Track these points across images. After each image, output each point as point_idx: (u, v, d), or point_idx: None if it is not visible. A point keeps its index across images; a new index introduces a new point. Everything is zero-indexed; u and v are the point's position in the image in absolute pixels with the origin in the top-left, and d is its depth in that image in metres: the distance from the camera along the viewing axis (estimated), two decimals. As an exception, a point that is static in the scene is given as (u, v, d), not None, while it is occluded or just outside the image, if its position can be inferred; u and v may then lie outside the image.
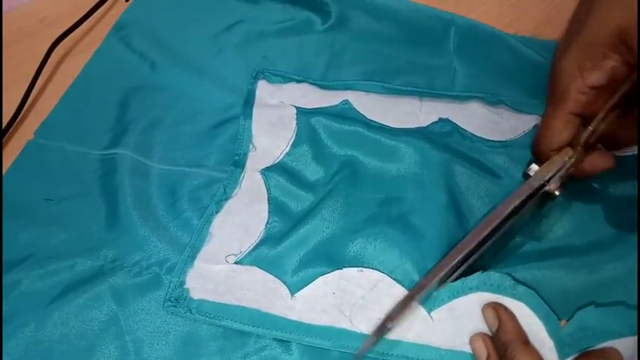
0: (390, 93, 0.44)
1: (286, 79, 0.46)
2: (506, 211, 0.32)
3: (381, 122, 0.42)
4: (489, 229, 0.32)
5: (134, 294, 0.35)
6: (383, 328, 0.32)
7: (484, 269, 0.34)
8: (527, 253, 0.36)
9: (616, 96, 0.32)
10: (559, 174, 0.33)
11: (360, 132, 0.41)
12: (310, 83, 0.45)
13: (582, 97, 0.32)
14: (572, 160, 0.33)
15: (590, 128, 0.32)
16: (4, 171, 0.42)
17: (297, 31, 0.50)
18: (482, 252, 0.33)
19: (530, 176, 0.33)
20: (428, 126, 0.42)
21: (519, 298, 0.32)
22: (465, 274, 0.34)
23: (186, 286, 0.35)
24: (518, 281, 0.33)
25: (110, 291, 0.35)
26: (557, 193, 0.33)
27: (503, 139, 0.40)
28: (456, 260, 0.32)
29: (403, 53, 0.47)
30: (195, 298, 0.35)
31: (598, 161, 0.34)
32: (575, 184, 0.37)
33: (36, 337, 0.34)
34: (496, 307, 0.32)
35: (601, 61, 0.31)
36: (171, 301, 0.35)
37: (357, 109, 0.43)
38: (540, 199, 0.34)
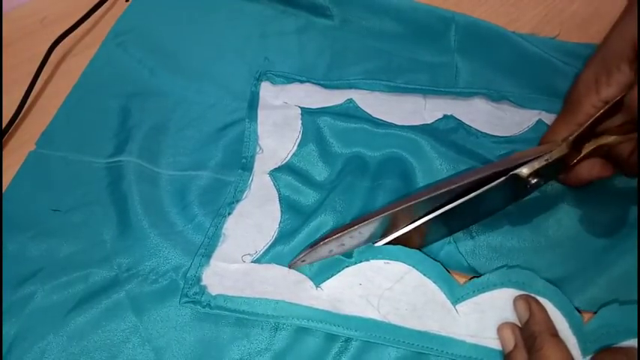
0: (394, 91, 0.44)
1: (289, 79, 0.45)
2: (466, 181, 0.32)
3: (386, 120, 0.42)
4: (436, 193, 0.32)
5: (152, 301, 0.34)
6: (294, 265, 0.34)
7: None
8: (538, 247, 0.36)
9: (609, 104, 0.31)
10: (534, 162, 0.32)
11: (365, 129, 0.41)
12: (314, 83, 0.45)
13: (594, 110, 0.32)
14: (552, 152, 0.32)
15: (581, 128, 0.32)
16: (4, 177, 0.41)
17: (298, 31, 0.50)
18: (435, 218, 0.33)
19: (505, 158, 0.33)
20: (433, 123, 0.41)
21: (543, 295, 0.32)
22: (413, 238, 0.34)
23: (202, 283, 0.34)
24: (542, 277, 0.33)
25: (128, 300, 0.34)
26: (532, 181, 0.32)
27: (508, 135, 0.40)
28: (393, 211, 0.32)
29: (405, 51, 0.47)
30: (214, 293, 0.34)
31: (595, 169, 0.34)
32: None
33: (54, 351, 0.33)
34: (528, 299, 0.32)
35: (616, 74, 0.31)
36: (188, 297, 0.34)
37: (362, 107, 0.43)
38: (515, 186, 0.32)
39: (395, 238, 0.35)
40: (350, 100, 0.43)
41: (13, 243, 0.37)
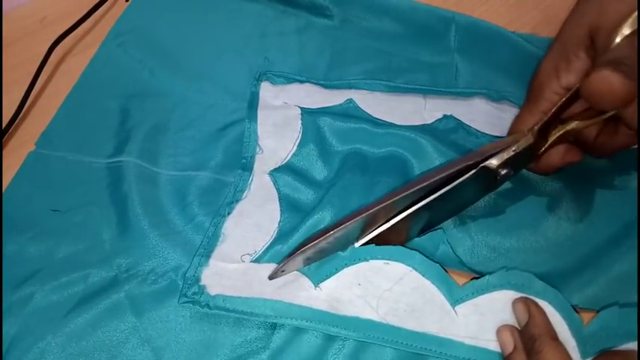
0: (394, 91, 0.43)
1: (289, 79, 0.45)
2: (440, 176, 0.32)
3: (386, 120, 0.42)
4: (417, 187, 0.32)
5: (152, 302, 0.34)
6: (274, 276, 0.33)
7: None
8: (537, 247, 0.35)
9: (571, 91, 0.31)
10: (502, 153, 0.32)
11: (365, 129, 0.41)
12: (314, 83, 0.44)
13: (556, 97, 0.32)
14: (520, 142, 0.32)
15: (546, 117, 0.32)
16: (4, 177, 0.41)
17: (298, 31, 0.49)
18: (411, 214, 0.33)
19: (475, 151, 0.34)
20: (433, 123, 0.41)
21: (543, 297, 0.32)
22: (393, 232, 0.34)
23: (201, 283, 0.34)
24: (541, 280, 0.33)
25: (127, 300, 0.34)
26: (501, 172, 0.32)
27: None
28: (379, 207, 0.32)
29: (405, 51, 0.47)
30: (212, 293, 0.34)
31: (566, 155, 0.34)
32: (581, 179, 0.37)
33: (53, 351, 0.33)
34: (527, 302, 0.32)
35: (575, 62, 0.31)
36: (187, 297, 0.33)
37: (362, 107, 0.43)
38: (486, 177, 0.33)
39: (372, 238, 0.34)
40: (350, 100, 0.43)
41: (12, 243, 0.37)
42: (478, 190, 0.35)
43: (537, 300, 0.32)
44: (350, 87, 0.44)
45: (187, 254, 0.36)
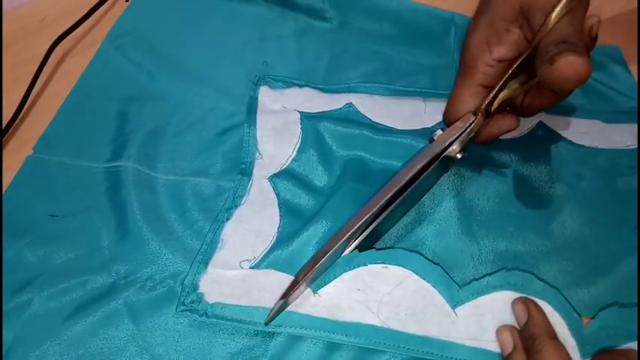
0: (394, 94, 0.43)
1: (288, 84, 0.44)
2: (410, 174, 0.33)
3: (386, 124, 0.41)
4: (393, 191, 0.32)
5: (150, 309, 0.34)
6: (291, 289, 0.32)
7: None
8: (543, 250, 0.35)
9: (512, 67, 0.32)
10: (460, 138, 0.33)
11: (366, 135, 0.40)
12: (313, 87, 0.44)
13: (490, 69, 0.33)
14: (473, 125, 0.33)
15: (490, 97, 0.33)
16: (4, 177, 0.40)
17: (297, 34, 0.49)
18: (387, 215, 0.33)
19: (434, 141, 0.34)
20: (433, 126, 0.41)
21: (542, 297, 0.32)
22: (371, 236, 0.34)
23: (199, 291, 0.33)
24: (541, 280, 0.33)
25: (125, 307, 0.34)
26: (458, 156, 0.33)
27: (508, 137, 0.39)
28: (363, 220, 0.32)
29: (404, 53, 0.46)
30: (211, 301, 0.33)
31: (503, 123, 0.35)
32: (585, 181, 0.37)
33: (51, 359, 0.32)
34: (526, 302, 0.32)
35: (505, 36, 0.33)
36: (185, 305, 0.33)
37: (362, 111, 0.42)
38: (444, 162, 0.34)
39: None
40: (349, 105, 0.42)
41: (10, 249, 0.36)
42: (438, 176, 0.37)
43: (537, 300, 0.32)
44: (349, 91, 0.43)
45: (186, 260, 0.35)
